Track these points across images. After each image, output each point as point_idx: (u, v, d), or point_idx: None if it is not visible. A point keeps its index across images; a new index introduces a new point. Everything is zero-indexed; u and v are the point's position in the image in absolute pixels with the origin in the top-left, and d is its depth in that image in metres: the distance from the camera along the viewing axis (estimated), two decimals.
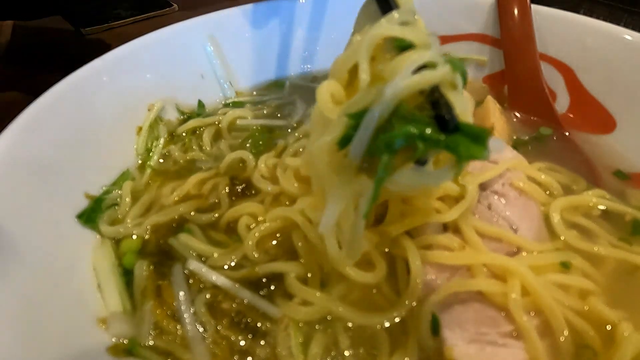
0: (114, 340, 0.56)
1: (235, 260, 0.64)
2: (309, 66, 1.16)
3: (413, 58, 0.40)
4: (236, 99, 1.05)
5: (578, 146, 0.85)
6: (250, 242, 0.65)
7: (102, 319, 0.58)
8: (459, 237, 0.62)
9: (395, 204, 0.61)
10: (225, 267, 0.64)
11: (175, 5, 1.63)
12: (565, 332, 0.51)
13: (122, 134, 0.84)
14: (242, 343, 0.56)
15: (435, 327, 0.53)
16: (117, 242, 0.68)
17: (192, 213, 0.72)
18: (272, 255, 0.65)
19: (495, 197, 0.66)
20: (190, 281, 0.62)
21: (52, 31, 1.43)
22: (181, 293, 0.60)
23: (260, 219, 0.69)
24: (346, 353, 0.54)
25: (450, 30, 1.09)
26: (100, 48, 0.85)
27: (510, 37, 0.96)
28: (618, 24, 0.86)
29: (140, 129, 0.87)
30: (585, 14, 1.34)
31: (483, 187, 0.68)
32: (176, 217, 0.72)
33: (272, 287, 0.61)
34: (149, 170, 0.82)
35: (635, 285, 0.59)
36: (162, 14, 1.59)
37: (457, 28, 1.08)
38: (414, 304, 0.57)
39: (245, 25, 1.07)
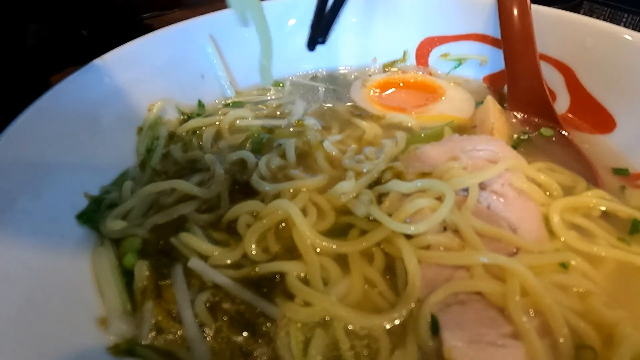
0: (114, 340, 0.56)
1: (235, 259, 0.64)
2: (308, 66, 1.16)
3: None
4: (236, 99, 1.05)
5: (578, 146, 0.85)
6: (250, 240, 0.65)
7: (102, 319, 0.58)
8: (458, 237, 0.62)
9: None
10: (226, 266, 0.64)
11: None
12: (565, 333, 0.51)
13: (122, 134, 0.84)
14: (242, 343, 0.56)
15: (435, 328, 0.54)
16: (117, 242, 0.68)
17: (193, 213, 0.72)
18: (272, 254, 0.65)
19: (495, 197, 0.66)
20: (191, 281, 0.62)
21: (53, 31, 1.43)
22: (181, 293, 0.60)
23: (260, 216, 0.69)
24: (346, 353, 0.54)
25: (450, 30, 1.09)
26: (101, 48, 0.85)
27: (510, 37, 0.96)
28: (618, 24, 0.86)
29: (140, 129, 0.87)
30: (585, 14, 1.34)
31: (482, 187, 0.68)
32: (176, 217, 0.72)
33: (273, 287, 0.61)
34: (149, 170, 0.82)
35: (634, 286, 0.59)
36: (162, 14, 1.59)
37: (457, 28, 1.08)
38: (413, 304, 0.57)
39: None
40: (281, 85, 1.11)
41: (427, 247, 0.62)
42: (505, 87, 1.01)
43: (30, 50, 1.13)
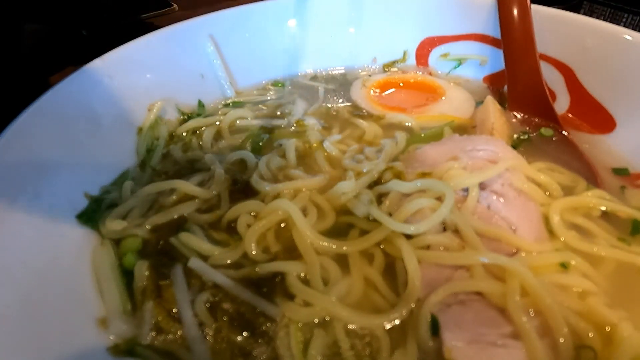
0: (114, 340, 0.56)
1: (235, 259, 0.64)
2: (308, 66, 1.16)
3: None
4: (236, 99, 1.05)
5: (578, 146, 0.85)
6: (250, 240, 0.65)
7: (102, 319, 0.58)
8: (458, 237, 0.62)
9: None
10: (226, 266, 0.64)
11: (175, 5, 1.63)
12: (565, 333, 0.51)
13: (122, 134, 0.84)
14: (242, 343, 0.56)
15: (435, 328, 0.54)
16: (117, 242, 0.68)
17: (193, 213, 0.72)
18: (272, 254, 0.65)
19: (495, 197, 0.66)
20: (191, 281, 0.62)
21: (52, 31, 1.43)
22: (181, 293, 0.60)
23: (260, 216, 0.69)
24: (346, 353, 0.54)
25: (450, 30, 1.09)
26: (101, 48, 0.85)
27: (510, 37, 0.96)
28: (618, 24, 0.86)
29: (140, 129, 0.87)
30: (585, 14, 1.34)
31: (482, 187, 0.68)
32: (176, 217, 0.72)
33: (273, 287, 0.61)
34: (149, 170, 0.82)
35: (634, 286, 0.59)
36: (162, 14, 1.59)
37: (457, 28, 1.08)
38: (413, 304, 0.57)
39: (245, 25, 1.07)
40: (281, 85, 1.11)
41: (427, 247, 0.62)
42: (505, 87, 1.01)
43: (28, 50, 1.13)
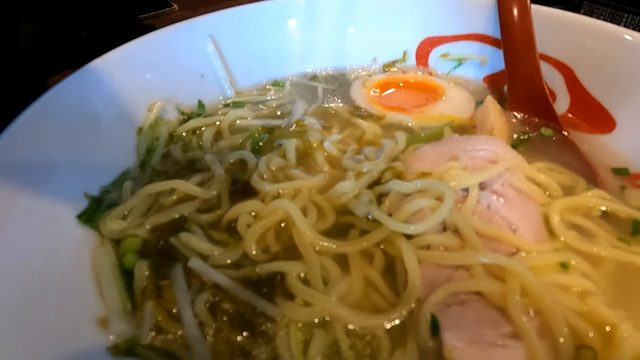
0: (113, 340, 0.56)
1: (235, 259, 0.64)
2: (308, 66, 1.16)
3: None
4: (236, 99, 1.05)
5: (578, 146, 0.85)
6: (250, 240, 0.65)
7: (102, 319, 0.58)
8: (458, 237, 0.62)
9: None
10: (226, 266, 0.64)
11: (175, 5, 1.63)
12: (565, 333, 0.51)
13: (122, 134, 0.85)
14: (242, 343, 0.56)
15: (435, 328, 0.54)
16: (117, 242, 0.68)
17: (193, 213, 0.72)
18: (272, 254, 0.65)
19: (495, 197, 0.66)
20: (191, 281, 0.62)
21: (52, 31, 1.43)
22: (181, 293, 0.60)
23: (260, 216, 0.69)
24: (345, 353, 0.54)
25: (451, 30, 1.09)
26: (101, 48, 0.85)
27: (510, 37, 0.96)
28: (618, 24, 0.86)
29: (140, 129, 0.87)
30: (585, 14, 1.34)
31: (482, 187, 0.68)
32: (176, 217, 0.72)
33: (273, 287, 0.61)
34: (149, 170, 0.82)
35: (634, 286, 0.59)
36: (162, 14, 1.59)
37: (457, 28, 1.08)
38: (413, 304, 0.57)
39: (245, 25, 1.07)
40: (281, 85, 1.11)
41: (427, 247, 0.62)
42: (505, 87, 1.01)
43: (27, 52, 1.13)
